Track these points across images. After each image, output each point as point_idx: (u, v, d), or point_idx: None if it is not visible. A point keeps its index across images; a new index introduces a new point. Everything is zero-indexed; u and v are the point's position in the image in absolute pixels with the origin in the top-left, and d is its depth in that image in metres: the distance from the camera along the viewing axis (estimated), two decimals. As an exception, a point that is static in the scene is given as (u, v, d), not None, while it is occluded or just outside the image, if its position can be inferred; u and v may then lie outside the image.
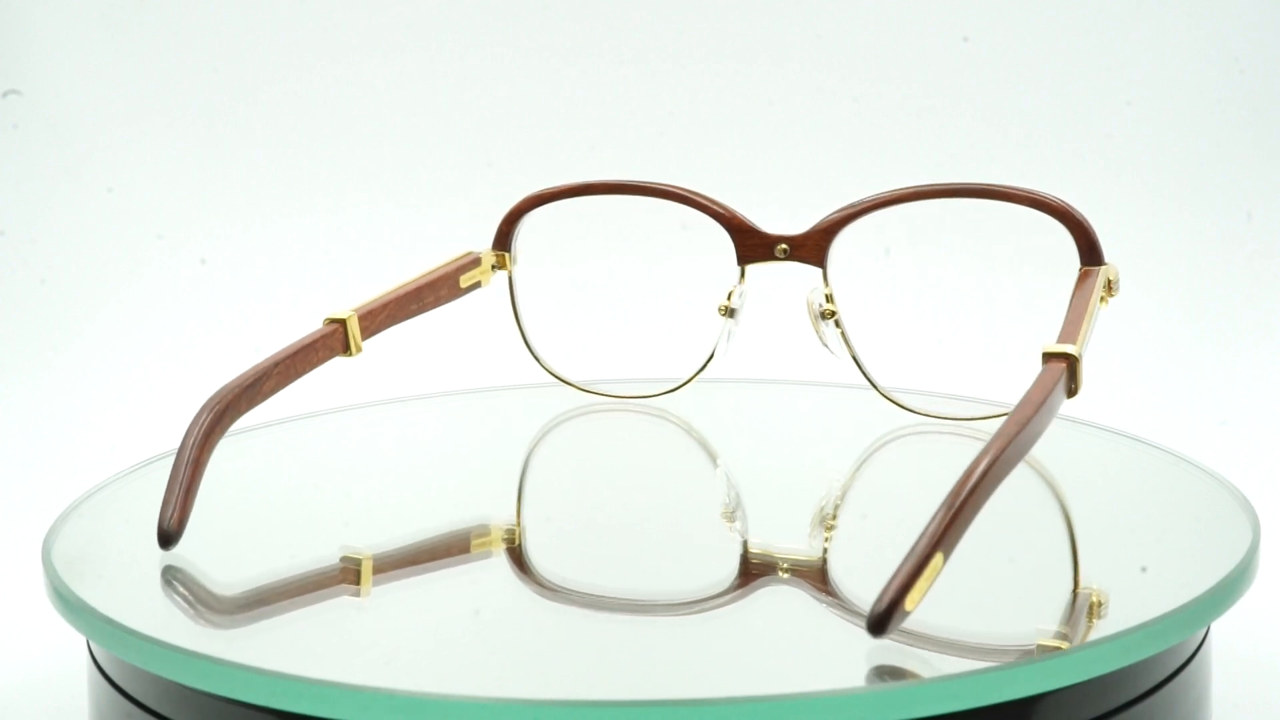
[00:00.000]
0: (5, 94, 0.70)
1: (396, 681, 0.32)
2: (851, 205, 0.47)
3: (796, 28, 0.74)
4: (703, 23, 0.75)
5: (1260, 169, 0.71)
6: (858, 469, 0.46)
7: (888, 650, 0.32)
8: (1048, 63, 0.73)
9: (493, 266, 0.53)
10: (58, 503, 0.43)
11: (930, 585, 0.32)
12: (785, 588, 0.37)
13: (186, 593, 0.38)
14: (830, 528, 0.40)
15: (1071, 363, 0.39)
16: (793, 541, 0.40)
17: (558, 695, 0.32)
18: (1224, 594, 0.35)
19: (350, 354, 0.47)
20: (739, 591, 0.37)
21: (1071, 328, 0.40)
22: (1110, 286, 0.43)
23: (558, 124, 0.75)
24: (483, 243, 0.55)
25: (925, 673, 0.32)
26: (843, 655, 0.33)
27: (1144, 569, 0.38)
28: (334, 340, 0.47)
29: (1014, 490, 0.44)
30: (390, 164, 0.74)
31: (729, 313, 0.49)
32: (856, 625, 0.34)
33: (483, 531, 0.42)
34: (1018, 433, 0.35)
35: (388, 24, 0.75)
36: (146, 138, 0.73)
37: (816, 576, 0.37)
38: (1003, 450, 0.34)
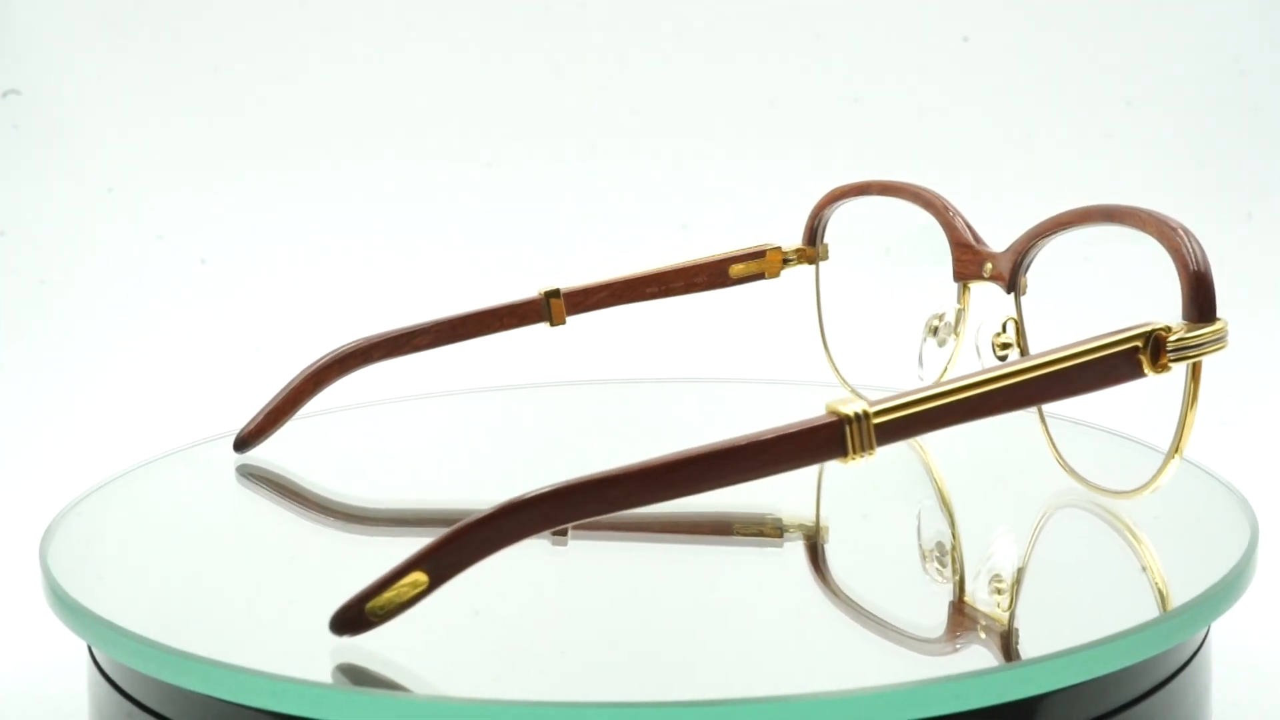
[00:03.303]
0: (5, 94, 0.70)
1: (394, 683, 0.32)
2: (1039, 226, 0.41)
3: (796, 28, 0.74)
4: (703, 23, 0.75)
5: (1260, 169, 0.71)
6: (1037, 529, 0.41)
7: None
8: (1048, 63, 0.73)
9: (784, 261, 0.50)
10: (57, 503, 0.43)
11: (411, 600, 0.32)
12: (978, 646, 0.35)
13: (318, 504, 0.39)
14: (999, 591, 0.37)
15: (843, 424, 0.33)
16: (993, 594, 0.37)
17: (566, 698, 0.32)
18: (1223, 594, 0.35)
19: (554, 324, 0.48)
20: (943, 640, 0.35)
21: (922, 391, 0.34)
22: (1161, 349, 0.35)
23: (558, 124, 0.75)
24: (481, 241, 0.54)
25: (920, 674, 0.31)
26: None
27: (1144, 569, 0.38)
28: (527, 310, 0.48)
29: (1015, 490, 0.44)
30: (390, 164, 0.74)
31: (933, 331, 0.45)
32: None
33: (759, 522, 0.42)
34: (590, 481, 0.32)
35: (388, 24, 0.75)
36: (146, 138, 0.73)
37: (1000, 641, 0.35)
38: (555, 493, 0.32)
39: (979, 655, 0.34)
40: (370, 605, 0.32)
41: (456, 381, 0.57)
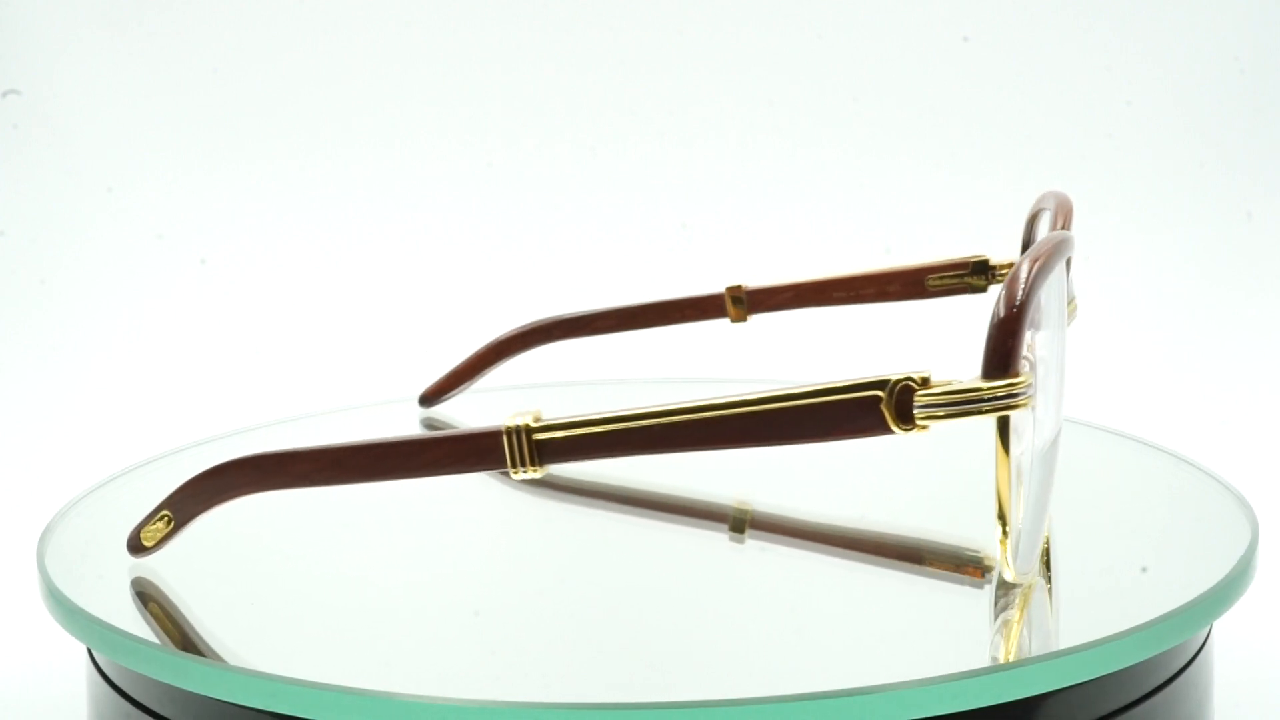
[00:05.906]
0: (5, 94, 0.70)
1: (394, 684, 0.32)
2: (1038, 248, 0.33)
3: (796, 28, 0.74)
4: (703, 23, 0.75)
5: (1260, 169, 0.71)
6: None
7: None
8: (1048, 63, 0.73)
9: (993, 275, 0.46)
10: (56, 503, 0.43)
11: (166, 536, 0.37)
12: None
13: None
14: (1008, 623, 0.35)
15: (501, 436, 0.33)
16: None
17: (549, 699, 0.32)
18: (1224, 594, 0.35)
19: (735, 320, 0.48)
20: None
21: (600, 413, 0.32)
22: (909, 404, 0.30)
23: (558, 124, 0.74)
24: (482, 240, 0.54)
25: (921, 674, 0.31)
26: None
27: (1144, 569, 0.38)
28: (708, 305, 0.48)
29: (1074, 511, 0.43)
30: (390, 164, 0.74)
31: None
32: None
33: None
34: (278, 455, 0.36)
35: (388, 23, 0.75)
36: (146, 138, 0.73)
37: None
38: (250, 460, 0.36)
39: (979, 655, 0.34)
40: (141, 535, 0.37)
41: (626, 371, 0.58)
